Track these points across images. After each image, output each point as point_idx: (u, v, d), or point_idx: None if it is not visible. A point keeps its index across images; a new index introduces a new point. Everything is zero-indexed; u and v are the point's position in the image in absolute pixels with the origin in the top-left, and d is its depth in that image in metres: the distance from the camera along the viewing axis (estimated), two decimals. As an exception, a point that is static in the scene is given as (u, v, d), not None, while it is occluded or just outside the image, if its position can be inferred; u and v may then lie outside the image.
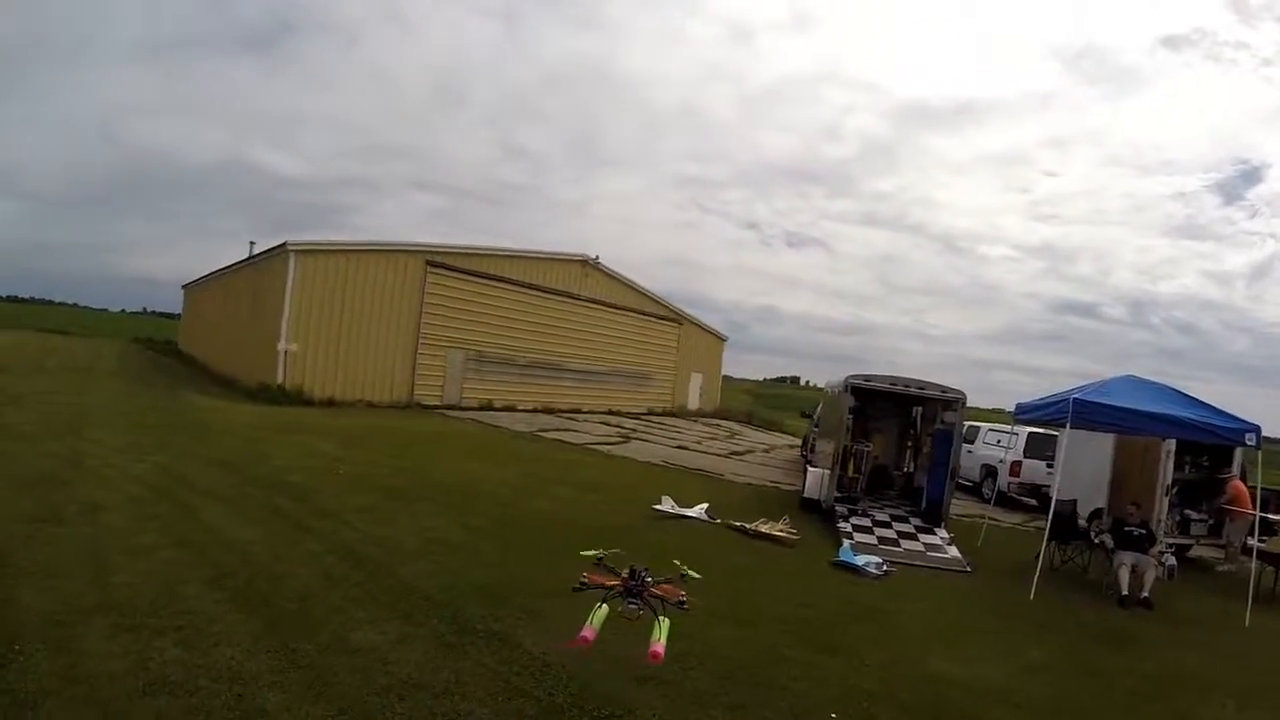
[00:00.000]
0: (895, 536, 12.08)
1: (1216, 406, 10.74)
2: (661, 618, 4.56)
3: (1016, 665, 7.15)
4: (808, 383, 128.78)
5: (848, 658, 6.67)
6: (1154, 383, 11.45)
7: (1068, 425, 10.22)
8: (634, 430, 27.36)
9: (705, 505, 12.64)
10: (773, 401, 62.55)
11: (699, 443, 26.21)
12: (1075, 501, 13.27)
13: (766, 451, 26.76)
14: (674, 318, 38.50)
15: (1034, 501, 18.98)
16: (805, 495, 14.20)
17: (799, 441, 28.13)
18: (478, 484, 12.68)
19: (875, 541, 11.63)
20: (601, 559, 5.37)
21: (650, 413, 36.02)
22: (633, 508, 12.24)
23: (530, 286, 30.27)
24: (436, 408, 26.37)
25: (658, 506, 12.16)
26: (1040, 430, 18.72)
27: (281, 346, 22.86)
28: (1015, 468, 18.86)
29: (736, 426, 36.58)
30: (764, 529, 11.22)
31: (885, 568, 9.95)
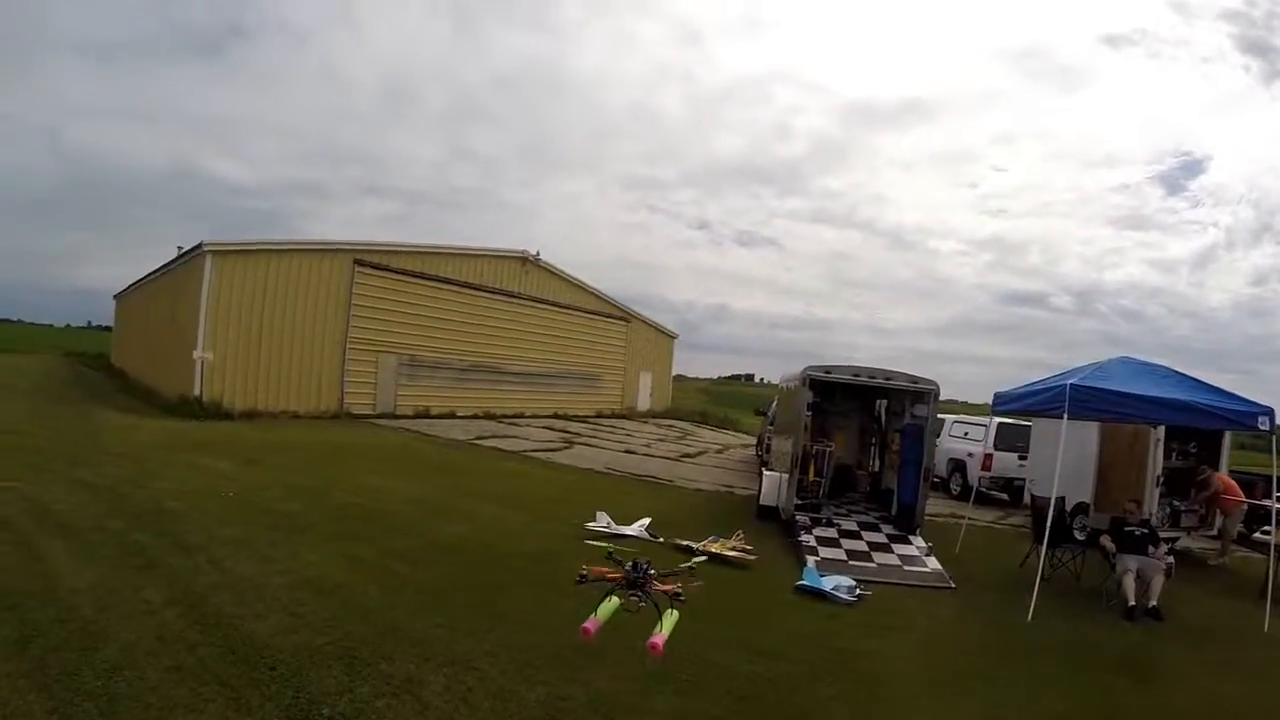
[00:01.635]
0: (866, 549, 10.55)
1: (1220, 388, 9.43)
2: (670, 610, 4.47)
3: (1036, 724, 5.63)
4: (761, 379, 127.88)
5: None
6: (1151, 363, 10.11)
7: (1065, 415, 8.75)
8: (578, 434, 25.66)
9: (647, 521, 11.02)
10: (726, 399, 61.26)
11: (648, 445, 24.63)
12: (1063, 499, 11.88)
13: (720, 452, 25.32)
14: (621, 316, 36.87)
15: (1005, 496, 17.72)
16: (762, 503, 12.69)
17: (754, 440, 26.80)
18: (384, 505, 10.92)
19: (844, 557, 10.08)
20: (611, 553, 5.16)
21: (599, 415, 34.36)
22: (561, 526, 10.59)
23: (467, 285, 28.43)
24: (368, 417, 24.46)
25: (591, 525, 10.51)
26: (1011, 420, 17.61)
27: (197, 355, 20.95)
28: (986, 461, 17.58)
29: (689, 426, 35.09)
30: (714, 548, 9.59)
31: (858, 591, 8.37)
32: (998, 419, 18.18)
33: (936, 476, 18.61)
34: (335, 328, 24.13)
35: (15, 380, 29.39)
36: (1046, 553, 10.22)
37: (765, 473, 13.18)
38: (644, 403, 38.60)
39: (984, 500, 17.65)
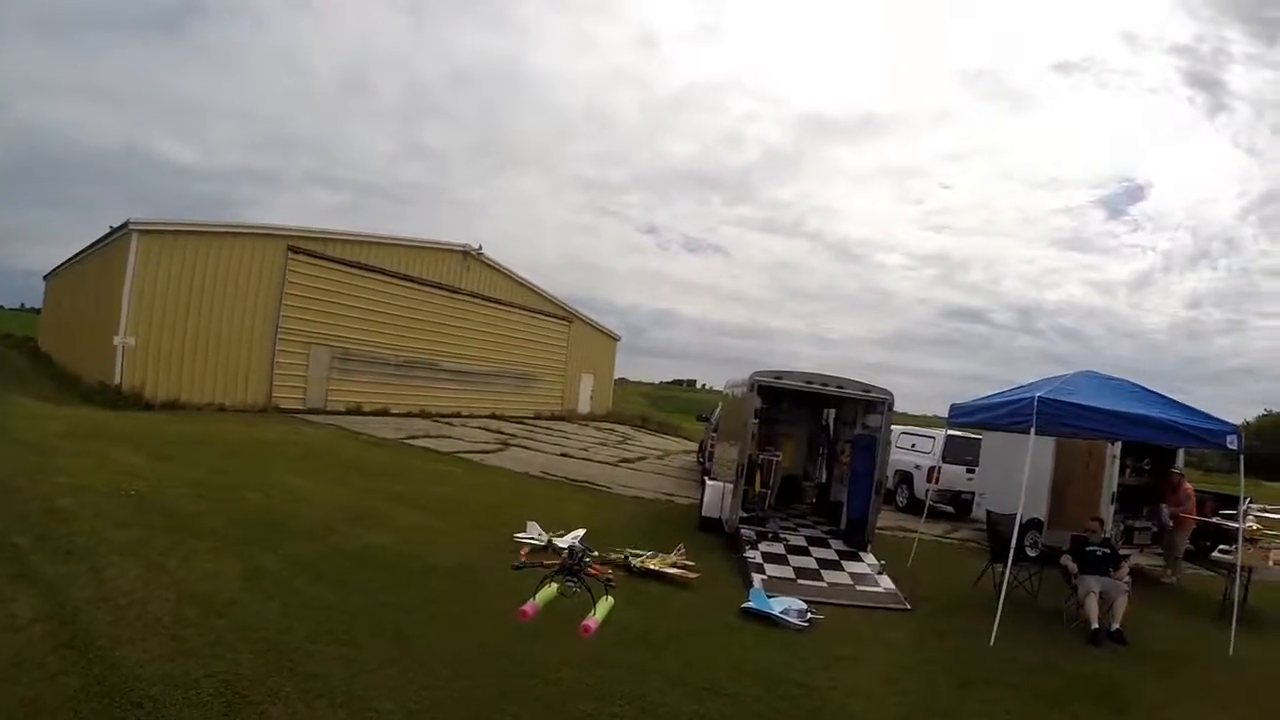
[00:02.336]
0: (815, 566, 9.88)
1: (1186, 404, 9.01)
2: (606, 597, 4.61)
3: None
4: (704, 385, 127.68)
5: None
6: (1115, 378, 9.68)
7: (1033, 429, 8.19)
8: (514, 436, 24.65)
9: (581, 532, 10.18)
10: (668, 404, 60.76)
11: (586, 449, 23.77)
12: (1015, 516, 11.41)
13: (660, 458, 24.58)
14: (564, 315, 35.96)
15: (952, 509, 17.32)
16: (704, 514, 11.98)
17: (695, 447, 26.15)
18: (299, 508, 9.87)
19: (792, 575, 9.38)
20: (550, 541, 6.08)
21: (538, 416, 33.34)
22: (488, 536, 9.69)
23: (405, 278, 27.12)
24: (298, 412, 23.03)
25: (521, 536, 9.65)
26: (959, 433, 17.31)
27: (118, 340, 19.41)
28: (933, 473, 17.17)
29: (629, 430, 34.35)
30: (654, 564, 8.80)
31: (809, 615, 7.66)
32: (945, 431, 17.87)
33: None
34: (266, 317, 22.70)
35: None
36: (998, 568, 9.76)
37: (708, 482, 12.46)
38: (584, 405, 37.72)
39: (930, 513, 17.23)
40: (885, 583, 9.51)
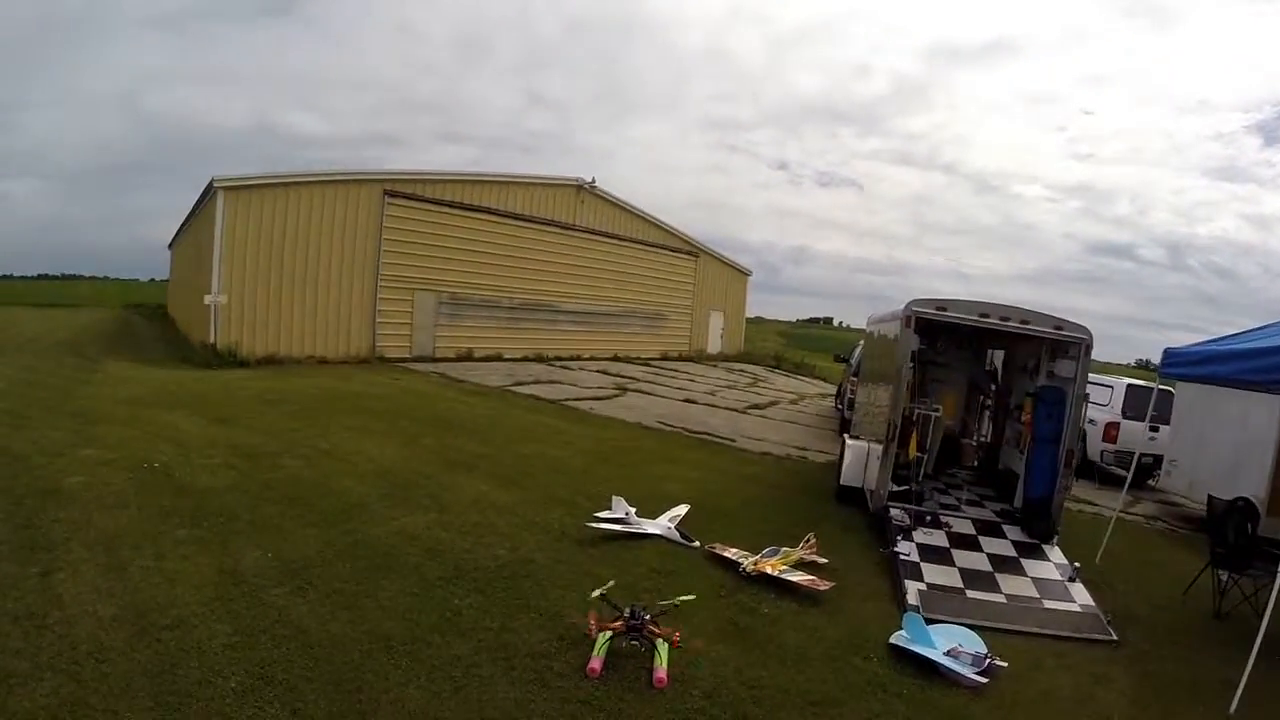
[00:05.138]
0: (988, 568, 7.45)
1: None
2: (660, 643, 4.72)
3: None
4: (841, 323, 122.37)
5: None
6: None
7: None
8: (635, 380, 22.83)
9: (681, 511, 8.20)
10: (804, 343, 57.53)
11: (712, 394, 21.66)
12: (1247, 503, 8.55)
13: (794, 402, 22.17)
14: (689, 250, 33.59)
15: (1125, 473, 14.29)
16: (842, 482, 9.74)
17: (833, 390, 23.62)
18: (337, 479, 8.36)
19: (959, 582, 7.02)
20: (604, 595, 5.16)
21: (664, 357, 31.45)
22: (562, 516, 7.82)
23: (514, 216, 25.51)
24: (403, 361, 22.10)
25: (602, 515, 7.73)
26: (1141, 383, 14.58)
27: (210, 300, 18.90)
28: (1110, 431, 14.16)
29: (761, 372, 31.88)
30: (771, 566, 6.66)
31: (989, 660, 5.35)
32: (1127, 380, 14.81)
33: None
34: (365, 265, 21.73)
35: (46, 335, 27.75)
36: (1223, 576, 7.19)
37: (848, 441, 10.14)
38: (714, 345, 35.50)
39: (1104, 477, 14.27)
40: (1080, 594, 7.01)
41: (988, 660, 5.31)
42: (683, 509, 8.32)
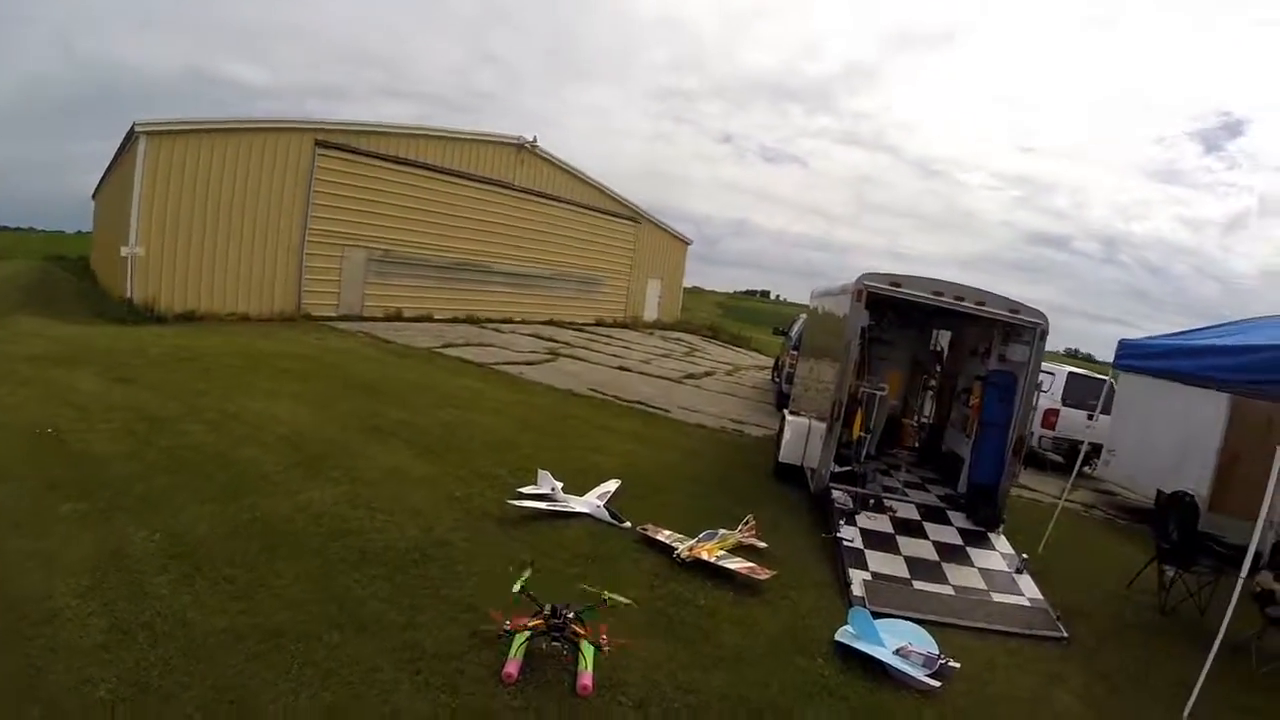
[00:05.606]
0: (934, 557, 7.09)
1: None
2: (585, 644, 4.25)
3: None
4: (779, 296, 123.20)
5: None
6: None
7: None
8: (568, 345, 22.15)
9: (611, 488, 7.67)
10: (741, 315, 57.59)
11: (647, 362, 21.14)
12: (1190, 498, 8.45)
13: (730, 374, 21.78)
14: (630, 215, 32.82)
15: (1060, 459, 14.32)
16: (781, 459, 9.29)
17: (769, 362, 23.27)
18: (243, 447, 7.55)
19: (905, 573, 6.62)
20: (524, 588, 4.53)
21: (599, 323, 30.74)
22: (485, 490, 7.21)
23: (451, 173, 24.33)
24: (330, 319, 20.88)
25: (527, 491, 7.13)
26: (1081, 371, 14.70)
27: (126, 251, 17.52)
28: (1050, 417, 14.12)
29: (697, 341, 31.47)
30: (707, 551, 6.15)
31: (941, 662, 4.95)
32: (1068, 368, 14.87)
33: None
34: (293, 219, 20.43)
35: None
36: (1168, 571, 7.02)
37: (788, 417, 9.72)
38: (651, 312, 34.93)
39: (1039, 463, 14.28)
40: (1028, 587, 6.71)
41: (940, 661, 4.91)
42: (613, 484, 7.78)
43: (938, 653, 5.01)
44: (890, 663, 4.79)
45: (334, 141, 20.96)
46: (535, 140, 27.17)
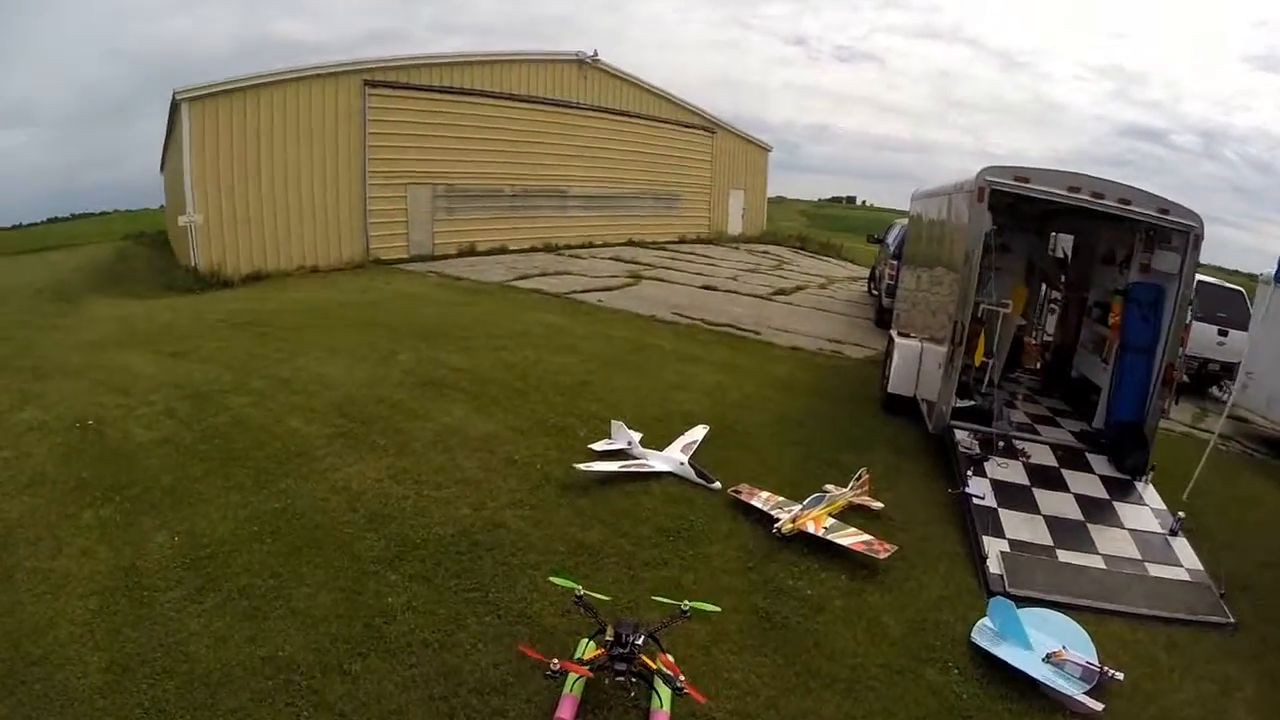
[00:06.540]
0: (1079, 517, 6.00)
1: None
2: (659, 683, 3.41)
3: None
4: (865, 202, 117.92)
5: None
6: None
7: None
8: (650, 266, 21.20)
9: (697, 435, 6.84)
10: (829, 223, 55.20)
11: (734, 279, 20.02)
12: None
13: (822, 287, 20.49)
14: (705, 125, 31.13)
15: (1186, 379, 12.61)
16: (890, 390, 8.31)
17: (864, 273, 21.76)
18: (288, 418, 7.04)
19: (1049, 539, 5.60)
20: (581, 597, 3.73)
21: (682, 240, 29.58)
22: (549, 451, 6.47)
23: (510, 98, 23.21)
24: (401, 261, 20.47)
25: (600, 448, 6.39)
26: (1212, 280, 12.76)
27: (184, 220, 17.35)
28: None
29: (785, 253, 30.04)
30: (814, 524, 5.26)
31: (1100, 673, 3.98)
32: (1198, 278, 13.05)
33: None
34: (351, 163, 19.87)
35: (39, 276, 25.94)
36: None
37: (897, 339, 8.64)
38: (735, 226, 33.49)
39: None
40: (1186, 555, 5.58)
41: (1098, 672, 3.94)
42: (700, 432, 6.96)
43: (1097, 662, 4.03)
44: (1041, 678, 3.87)
45: (384, 80, 20.18)
46: (596, 54, 25.72)
